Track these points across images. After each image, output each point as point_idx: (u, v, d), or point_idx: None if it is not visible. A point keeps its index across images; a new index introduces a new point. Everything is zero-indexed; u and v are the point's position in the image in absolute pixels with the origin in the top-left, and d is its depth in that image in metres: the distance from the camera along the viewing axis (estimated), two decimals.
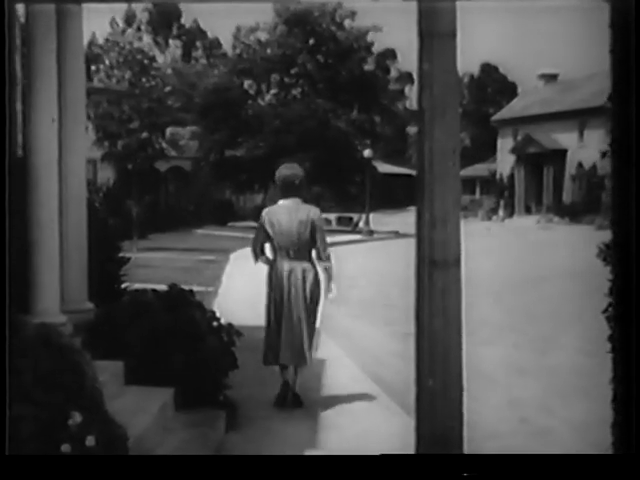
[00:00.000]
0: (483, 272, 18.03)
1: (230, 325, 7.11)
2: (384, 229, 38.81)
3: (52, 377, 4.07)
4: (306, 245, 7.33)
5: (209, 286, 16.01)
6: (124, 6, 67.26)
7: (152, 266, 19.46)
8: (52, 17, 6.42)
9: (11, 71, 6.06)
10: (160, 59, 54.92)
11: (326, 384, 8.31)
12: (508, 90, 76.15)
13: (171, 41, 69.66)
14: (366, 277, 19.59)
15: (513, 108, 62.11)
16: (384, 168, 62.59)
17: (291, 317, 7.27)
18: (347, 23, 47.13)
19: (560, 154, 53.40)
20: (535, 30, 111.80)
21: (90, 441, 3.90)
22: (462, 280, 3.44)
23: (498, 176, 59.77)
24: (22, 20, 6.49)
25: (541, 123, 54.83)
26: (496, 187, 59.23)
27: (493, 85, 79.67)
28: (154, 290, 7.12)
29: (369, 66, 49.00)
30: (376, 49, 49.83)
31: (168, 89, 35.84)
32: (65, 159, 6.81)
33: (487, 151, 65.55)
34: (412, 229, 3.51)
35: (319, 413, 7.22)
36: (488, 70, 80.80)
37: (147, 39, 62.25)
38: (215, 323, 7.04)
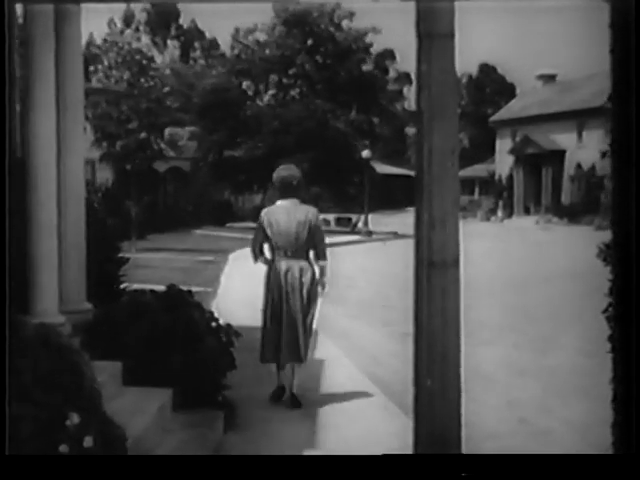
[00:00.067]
0: (482, 273, 18.03)
1: (229, 325, 7.11)
2: (383, 230, 38.80)
3: (51, 377, 4.06)
4: (304, 245, 7.41)
5: (208, 286, 16.00)
6: (122, 6, 67.35)
7: (151, 266, 19.46)
8: (50, 17, 6.42)
9: (11, 71, 6.05)
10: (158, 59, 54.86)
11: (324, 384, 8.31)
12: (507, 91, 76.15)
13: (169, 41, 69.65)
14: (365, 278, 19.60)
15: (512, 109, 62.10)
16: (383, 169, 62.57)
17: (288, 315, 7.34)
18: (345, 24, 47.15)
19: (559, 155, 53.39)
20: (534, 30, 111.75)
21: (88, 442, 3.90)
22: (461, 281, 3.44)
23: (497, 177, 59.77)
24: (20, 21, 6.49)
25: (540, 124, 54.82)
26: (495, 188, 59.22)
27: (492, 86, 79.66)
28: (153, 291, 7.12)
29: (368, 67, 48.99)
30: (375, 50, 49.83)
31: (166, 89, 35.82)
32: (64, 159, 6.81)
33: (486, 152, 65.56)
34: (411, 230, 3.51)
35: (317, 413, 7.22)
36: (487, 71, 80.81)
37: (145, 39, 62.23)
38: (214, 324, 7.04)
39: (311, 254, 7.49)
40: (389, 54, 57.39)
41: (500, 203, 56.35)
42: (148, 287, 7.52)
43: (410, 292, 3.49)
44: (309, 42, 46.52)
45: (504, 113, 62.89)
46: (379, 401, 7.69)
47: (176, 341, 6.47)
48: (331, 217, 42.40)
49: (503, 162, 59.00)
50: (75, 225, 7.01)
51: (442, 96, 3.35)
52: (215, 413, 6.61)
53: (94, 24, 41.72)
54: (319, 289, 7.52)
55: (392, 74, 61.42)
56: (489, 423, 6.97)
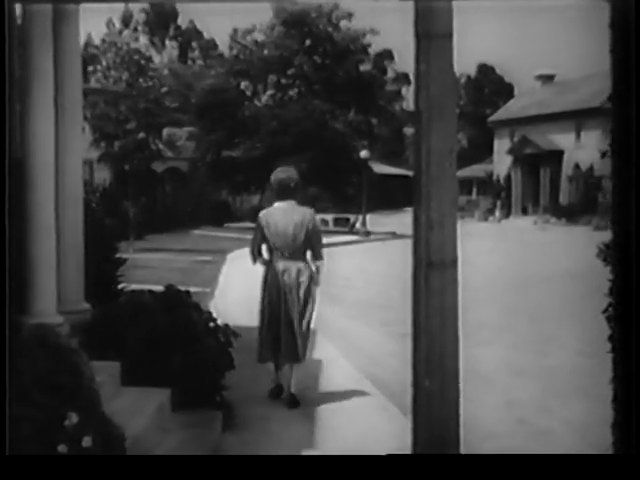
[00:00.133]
0: (481, 273, 18.04)
1: (227, 326, 7.11)
2: (381, 230, 38.80)
3: (49, 378, 4.06)
4: (301, 246, 7.46)
5: (206, 287, 16.00)
6: (121, 7, 67.29)
7: (149, 267, 19.45)
8: (49, 18, 6.41)
9: (11, 71, 6.04)
10: (157, 60, 54.91)
11: (323, 384, 8.31)
12: (505, 91, 76.19)
13: (168, 42, 69.67)
14: (363, 278, 19.60)
15: (510, 109, 62.13)
16: (381, 169, 62.61)
17: (286, 316, 7.38)
18: (344, 24, 47.14)
19: (557, 155, 53.41)
20: (533, 30, 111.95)
21: (87, 442, 3.89)
22: (459, 281, 3.44)
23: (495, 177, 59.79)
24: (19, 21, 6.47)
25: (538, 124, 54.85)
26: (493, 188, 59.24)
27: (490, 86, 79.69)
28: (151, 291, 7.12)
29: (366, 67, 48.98)
30: (373, 50, 49.84)
31: (165, 90, 35.81)
32: (62, 160, 6.80)
33: (484, 152, 65.60)
34: (409, 230, 3.51)
35: (316, 413, 7.21)
36: (485, 71, 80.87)
37: (144, 40, 62.36)
38: (212, 324, 7.04)
39: (308, 255, 7.54)
40: (387, 54, 57.44)
41: (498, 203, 56.36)
42: (146, 287, 7.53)
43: (408, 292, 3.49)
44: (307, 42, 46.50)
45: (502, 113, 62.91)
46: (378, 401, 7.69)
47: (175, 341, 6.47)
48: (329, 217, 42.39)
49: (501, 162, 59.03)
50: (73, 225, 7.00)
51: (440, 96, 3.35)
52: (213, 413, 6.61)
53: (92, 24, 41.77)
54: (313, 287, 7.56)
55: (390, 74, 61.42)
56: (488, 423, 6.96)
